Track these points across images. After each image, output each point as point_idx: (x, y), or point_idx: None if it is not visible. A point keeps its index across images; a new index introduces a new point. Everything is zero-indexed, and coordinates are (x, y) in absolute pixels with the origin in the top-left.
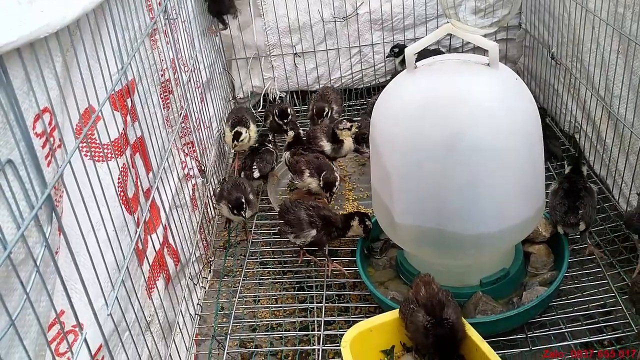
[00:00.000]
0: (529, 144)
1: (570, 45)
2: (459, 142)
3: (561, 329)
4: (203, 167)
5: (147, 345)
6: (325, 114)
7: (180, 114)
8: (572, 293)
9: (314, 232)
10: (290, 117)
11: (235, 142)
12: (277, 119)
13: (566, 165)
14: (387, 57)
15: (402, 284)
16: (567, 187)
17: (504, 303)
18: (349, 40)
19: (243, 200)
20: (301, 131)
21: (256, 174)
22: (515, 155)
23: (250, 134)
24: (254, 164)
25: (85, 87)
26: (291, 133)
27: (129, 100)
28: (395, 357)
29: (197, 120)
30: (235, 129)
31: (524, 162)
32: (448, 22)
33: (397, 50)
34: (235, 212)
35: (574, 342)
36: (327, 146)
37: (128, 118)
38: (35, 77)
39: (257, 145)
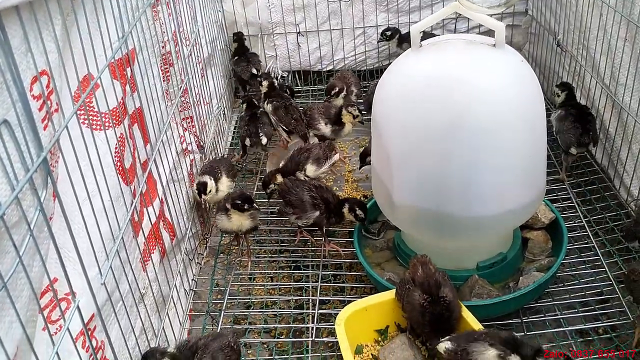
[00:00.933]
0: (532, 128)
1: (576, 32)
2: (461, 123)
3: (556, 315)
4: (202, 143)
5: (140, 317)
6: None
7: (180, 87)
8: (569, 280)
9: (317, 213)
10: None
11: (203, 195)
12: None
13: (560, 92)
14: (378, 41)
15: (399, 265)
16: (576, 112)
17: (500, 287)
18: (353, 21)
19: (248, 194)
20: (275, 80)
21: (264, 140)
22: (518, 139)
23: (220, 186)
24: (259, 130)
25: (84, 53)
26: (265, 82)
27: (128, 69)
28: (389, 337)
29: (197, 96)
30: (199, 179)
31: (526, 146)
32: (455, 2)
33: (390, 34)
34: (247, 205)
35: (569, 328)
36: (326, 128)
37: (127, 88)
38: (34, 38)
39: (252, 110)
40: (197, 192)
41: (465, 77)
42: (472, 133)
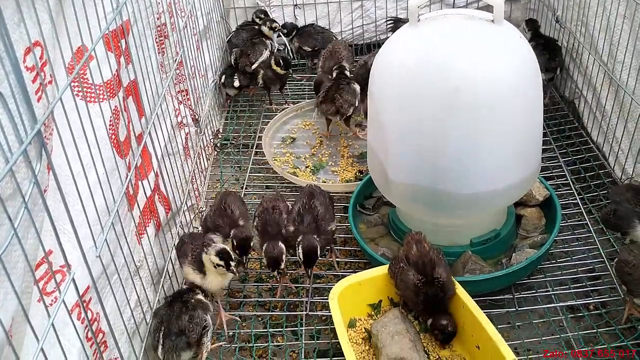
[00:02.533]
0: (529, 104)
1: (575, 8)
2: (458, 99)
3: (548, 291)
4: (197, 117)
5: (135, 290)
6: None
7: (175, 60)
8: (561, 257)
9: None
10: None
11: (231, 266)
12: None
13: (526, 31)
14: (277, 36)
15: (393, 241)
16: (543, 42)
17: (493, 263)
18: None
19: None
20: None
21: (236, 84)
22: (514, 115)
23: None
24: (234, 74)
25: (78, 24)
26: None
27: (123, 41)
28: (382, 312)
29: (193, 68)
30: (212, 250)
31: (523, 123)
32: None
33: (286, 32)
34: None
35: (560, 304)
36: None
37: (122, 60)
38: (27, 9)
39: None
40: (223, 266)
41: (463, 52)
42: (469, 109)
